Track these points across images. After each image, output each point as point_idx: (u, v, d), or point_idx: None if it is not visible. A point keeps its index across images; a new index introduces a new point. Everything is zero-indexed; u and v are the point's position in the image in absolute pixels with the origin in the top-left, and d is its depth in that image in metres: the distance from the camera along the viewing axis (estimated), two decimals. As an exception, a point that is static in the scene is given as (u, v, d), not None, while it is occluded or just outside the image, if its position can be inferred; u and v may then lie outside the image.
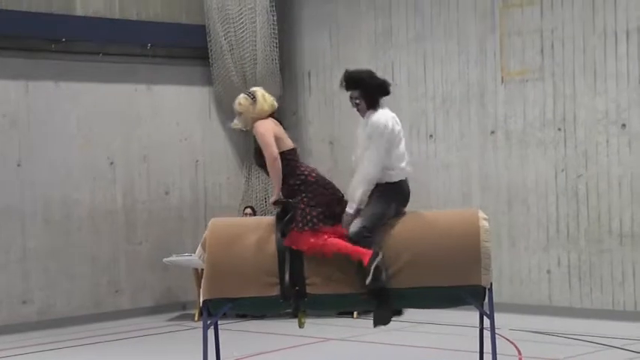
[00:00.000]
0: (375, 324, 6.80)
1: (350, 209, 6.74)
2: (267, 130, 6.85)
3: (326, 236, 6.65)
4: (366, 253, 6.57)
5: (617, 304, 11.02)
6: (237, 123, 7.14)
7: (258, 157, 6.97)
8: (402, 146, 6.96)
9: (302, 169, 6.90)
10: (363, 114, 6.98)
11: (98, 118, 12.65)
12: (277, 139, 6.85)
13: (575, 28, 11.30)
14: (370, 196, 6.82)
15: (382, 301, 6.65)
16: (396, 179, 6.83)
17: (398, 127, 6.92)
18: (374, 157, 6.75)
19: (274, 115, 7.08)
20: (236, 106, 7.08)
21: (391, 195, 6.80)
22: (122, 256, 12.80)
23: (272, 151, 6.77)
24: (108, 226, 12.68)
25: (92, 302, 12.50)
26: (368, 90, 6.92)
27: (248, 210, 12.71)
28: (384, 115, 6.91)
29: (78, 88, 12.51)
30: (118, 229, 12.77)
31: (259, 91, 7.07)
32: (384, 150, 6.77)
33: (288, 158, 6.85)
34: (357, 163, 6.90)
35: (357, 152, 6.95)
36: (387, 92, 7.01)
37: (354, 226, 6.68)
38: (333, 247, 6.61)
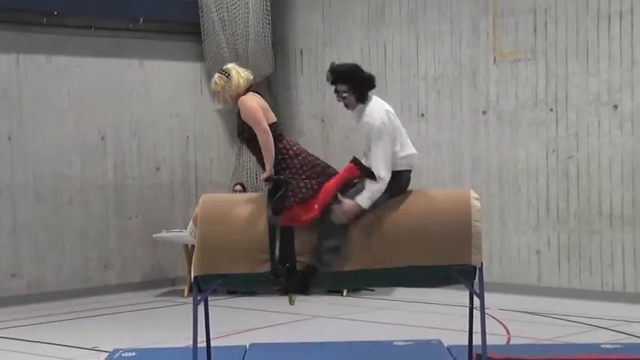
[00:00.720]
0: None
1: (353, 201, 6.64)
2: (253, 105, 6.78)
3: (315, 206, 6.62)
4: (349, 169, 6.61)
5: (606, 285, 11.04)
6: (216, 104, 7.12)
7: (242, 133, 6.91)
8: (403, 134, 6.88)
9: (284, 142, 6.84)
10: (352, 108, 6.86)
11: (89, 93, 12.59)
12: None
13: (569, 9, 11.26)
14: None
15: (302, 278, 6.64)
16: (398, 168, 6.77)
17: (393, 118, 6.82)
18: (381, 158, 6.64)
19: (252, 88, 7.00)
20: (212, 86, 7.02)
21: (395, 185, 6.73)
22: (112, 231, 12.77)
23: (263, 127, 6.71)
24: (98, 201, 12.65)
25: (81, 277, 12.49)
26: (356, 83, 6.80)
27: (238, 187, 12.68)
28: (376, 111, 6.76)
29: (69, 63, 12.45)
30: (108, 204, 12.74)
31: (233, 67, 7.00)
32: (389, 148, 6.68)
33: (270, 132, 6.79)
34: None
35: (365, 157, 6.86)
36: (373, 85, 6.90)
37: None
38: (323, 208, 6.61)
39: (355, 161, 6.76)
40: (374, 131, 6.66)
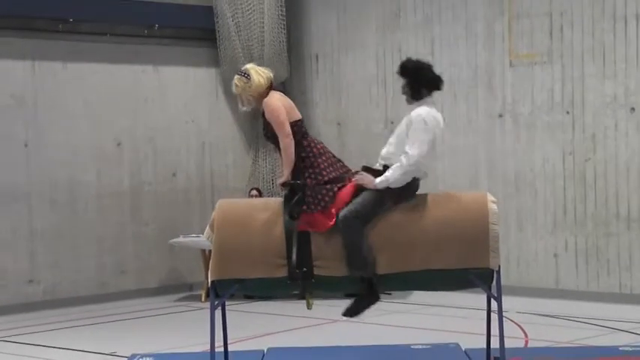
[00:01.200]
0: (345, 313, 6.80)
1: (375, 181, 6.68)
2: (278, 106, 6.76)
3: (333, 211, 6.62)
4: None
5: (624, 288, 11.01)
6: (241, 107, 7.08)
7: (267, 132, 6.90)
8: (436, 148, 6.90)
9: (308, 139, 6.84)
10: (408, 103, 6.93)
11: (105, 100, 12.63)
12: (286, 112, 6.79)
13: (585, 11, 11.24)
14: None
15: (366, 292, 6.68)
16: (414, 175, 6.78)
17: (437, 125, 6.83)
18: (417, 140, 6.64)
19: (273, 86, 6.99)
20: (233, 89, 7.01)
21: (401, 188, 6.73)
22: (128, 237, 12.80)
23: (286, 131, 6.69)
24: (114, 208, 12.68)
25: (98, 283, 12.52)
26: (415, 79, 6.86)
27: (254, 192, 12.69)
28: (427, 111, 6.80)
29: (85, 69, 12.49)
30: (124, 211, 12.77)
31: (251, 67, 6.99)
32: (427, 139, 6.68)
33: (294, 130, 6.79)
34: (389, 155, 6.77)
35: (389, 146, 6.84)
36: (436, 87, 6.94)
37: (346, 209, 6.62)
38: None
39: (364, 168, 6.81)
40: (419, 119, 6.70)
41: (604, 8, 11.09)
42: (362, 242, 6.56)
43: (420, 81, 6.89)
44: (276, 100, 6.80)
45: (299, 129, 6.81)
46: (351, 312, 6.78)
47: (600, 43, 11.15)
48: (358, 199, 6.65)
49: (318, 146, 6.84)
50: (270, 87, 6.92)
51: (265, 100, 6.81)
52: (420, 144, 6.64)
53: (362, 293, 6.68)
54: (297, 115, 6.90)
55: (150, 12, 12.90)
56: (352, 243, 6.55)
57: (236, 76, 6.97)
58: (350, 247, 6.55)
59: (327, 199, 6.61)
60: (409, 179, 6.71)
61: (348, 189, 6.69)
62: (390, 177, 6.64)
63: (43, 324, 10.88)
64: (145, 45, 12.99)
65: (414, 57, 12.50)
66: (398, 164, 6.64)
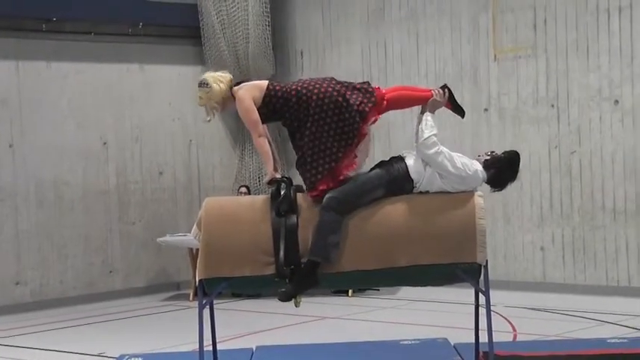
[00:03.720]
0: (281, 297, 6.70)
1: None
2: (249, 107, 6.72)
3: (341, 177, 6.61)
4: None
5: (611, 280, 11.06)
6: (206, 117, 7.04)
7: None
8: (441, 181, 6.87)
9: (292, 92, 6.72)
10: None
11: (90, 99, 12.61)
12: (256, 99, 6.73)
13: (568, 5, 11.28)
14: (379, 165, 6.77)
15: (307, 274, 6.56)
16: (413, 175, 6.75)
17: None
18: (461, 164, 6.68)
19: (234, 84, 6.90)
20: (198, 102, 6.97)
21: (396, 180, 6.72)
22: (115, 236, 12.79)
23: (258, 131, 6.68)
24: (101, 207, 12.67)
25: (85, 283, 12.51)
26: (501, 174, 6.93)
27: (243, 189, 12.68)
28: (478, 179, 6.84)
29: (69, 68, 12.47)
30: (111, 210, 12.76)
31: (208, 76, 6.92)
32: (463, 170, 6.70)
33: (272, 94, 6.72)
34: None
35: None
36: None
37: (333, 192, 6.58)
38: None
39: (446, 87, 6.91)
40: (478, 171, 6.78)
41: (587, 1, 11.13)
42: (333, 231, 6.53)
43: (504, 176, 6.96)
44: (247, 100, 6.75)
45: (276, 93, 6.73)
46: (287, 295, 6.67)
47: (584, 36, 11.19)
48: (348, 185, 6.63)
49: (310, 89, 6.71)
50: (233, 87, 6.86)
51: (238, 99, 6.76)
52: (462, 168, 6.67)
53: (302, 274, 6.58)
54: (263, 87, 6.81)
55: (134, 10, 12.88)
56: (324, 227, 6.52)
57: (198, 89, 6.93)
58: (320, 230, 6.52)
59: (327, 166, 6.60)
60: (436, 152, 6.66)
61: (349, 162, 6.65)
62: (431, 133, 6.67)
63: (31, 325, 10.85)
64: (130, 43, 12.97)
65: (397, 52, 12.60)
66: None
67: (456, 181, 6.68)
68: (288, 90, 6.72)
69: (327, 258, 6.53)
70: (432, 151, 6.63)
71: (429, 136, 6.65)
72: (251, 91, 6.76)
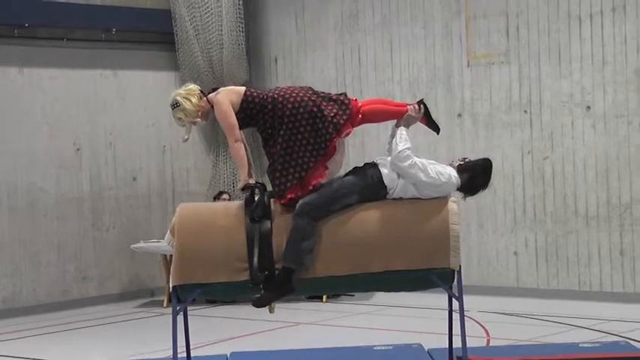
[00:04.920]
0: (255, 303, 6.70)
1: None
2: (227, 109, 6.70)
3: (310, 187, 6.63)
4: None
5: (584, 285, 11.12)
6: (184, 136, 7.03)
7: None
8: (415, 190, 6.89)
9: (268, 98, 6.71)
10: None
11: (63, 105, 12.56)
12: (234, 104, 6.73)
13: (540, 11, 11.35)
14: (352, 171, 6.79)
15: (282, 282, 6.57)
16: (386, 181, 6.76)
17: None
18: (434, 173, 6.70)
19: (205, 93, 6.90)
20: (179, 123, 6.96)
21: (370, 187, 6.74)
22: (89, 243, 12.73)
23: (235, 136, 6.67)
24: (74, 213, 12.61)
25: (59, 290, 12.44)
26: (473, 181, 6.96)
27: (225, 195, 12.61)
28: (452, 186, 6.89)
29: (42, 75, 12.41)
30: (84, 216, 12.70)
31: (174, 94, 6.90)
32: (437, 178, 6.72)
33: (249, 100, 6.73)
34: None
35: None
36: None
37: (306, 197, 6.60)
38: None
39: (422, 103, 6.94)
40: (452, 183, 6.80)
41: (559, 8, 11.21)
42: (307, 236, 6.53)
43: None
44: (226, 104, 6.73)
45: (253, 99, 6.73)
46: (262, 302, 6.68)
47: (556, 42, 11.26)
48: (322, 191, 6.65)
49: (283, 95, 6.73)
50: (205, 96, 6.84)
51: (216, 105, 6.75)
52: (434, 176, 6.68)
53: (277, 281, 6.59)
54: (240, 93, 6.81)
55: (107, 16, 12.84)
56: (298, 233, 6.53)
57: (172, 113, 6.90)
58: (294, 236, 6.53)
59: (297, 175, 6.61)
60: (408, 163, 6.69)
61: (319, 172, 6.66)
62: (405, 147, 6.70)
63: (4, 333, 10.78)
64: (103, 49, 12.93)
65: (371, 58, 12.62)
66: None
67: (430, 189, 6.72)
68: (265, 97, 6.73)
69: (301, 264, 6.55)
70: (406, 164, 6.66)
71: (403, 150, 6.68)
72: (229, 96, 6.75)
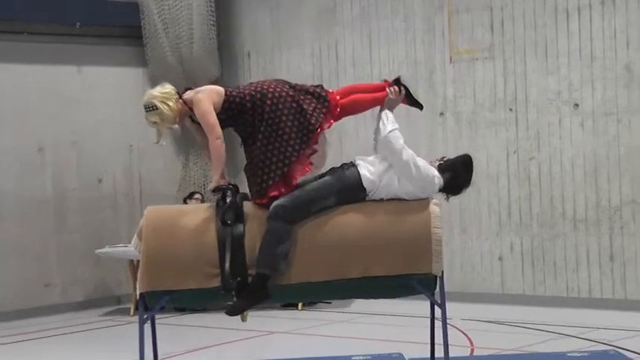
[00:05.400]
0: (229, 311, 6.66)
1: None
2: (208, 107, 6.64)
3: (294, 182, 6.61)
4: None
5: (572, 291, 11.13)
6: (157, 140, 7.00)
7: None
8: (398, 187, 6.86)
9: (246, 96, 6.71)
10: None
11: (25, 102, 12.46)
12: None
13: (526, 5, 11.35)
14: (330, 172, 6.74)
15: (256, 289, 6.53)
16: (365, 183, 6.72)
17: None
18: (422, 166, 6.70)
19: (181, 93, 6.83)
20: (153, 127, 6.92)
21: (348, 188, 6.70)
22: (52, 247, 12.65)
23: (216, 133, 6.61)
24: (36, 216, 12.52)
25: (21, 297, 12.35)
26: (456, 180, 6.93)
27: (198, 195, 12.57)
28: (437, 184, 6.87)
29: (2, 70, 12.34)
30: (47, 219, 12.62)
31: (151, 97, 6.83)
32: (424, 171, 6.71)
33: (231, 100, 6.71)
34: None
35: None
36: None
37: (281, 199, 6.57)
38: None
39: (400, 83, 6.96)
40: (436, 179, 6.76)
41: (545, 1, 11.21)
42: (281, 240, 6.49)
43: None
44: (207, 102, 6.69)
45: (234, 99, 6.70)
46: (235, 310, 6.64)
47: (542, 37, 11.26)
48: (297, 192, 6.60)
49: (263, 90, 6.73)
50: (180, 97, 6.80)
51: (196, 101, 6.71)
52: (421, 170, 6.67)
53: (252, 288, 6.52)
54: (222, 93, 6.76)
55: (71, 9, 12.77)
56: (272, 237, 6.49)
57: (146, 115, 6.84)
58: (268, 240, 6.48)
59: (270, 182, 6.58)
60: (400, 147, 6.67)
61: (302, 167, 6.64)
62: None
63: (-39, 342, 10.70)
64: (67, 44, 12.85)
65: (349, 53, 12.61)
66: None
67: (416, 184, 6.66)
68: (243, 95, 6.71)
69: (276, 270, 6.50)
70: (399, 144, 6.63)
71: (393, 130, 6.67)
72: (211, 96, 6.71)
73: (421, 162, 6.71)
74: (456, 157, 7.01)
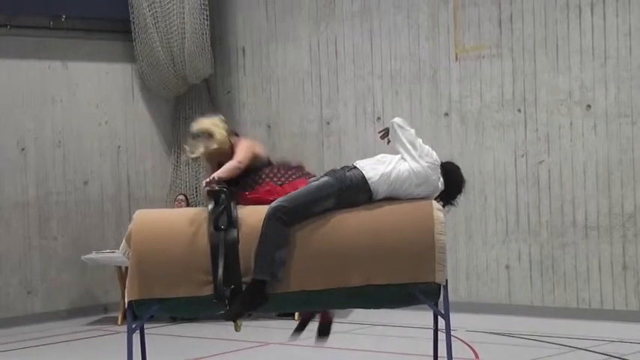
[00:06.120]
0: (225, 316, 6.72)
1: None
2: (253, 145, 7.03)
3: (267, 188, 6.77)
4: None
5: (582, 302, 11.16)
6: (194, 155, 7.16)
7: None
8: (399, 187, 6.97)
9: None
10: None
11: (6, 99, 12.49)
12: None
13: (536, 0, 11.39)
14: (330, 172, 6.81)
15: (254, 291, 6.60)
16: (370, 182, 6.79)
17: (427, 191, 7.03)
18: (423, 157, 6.90)
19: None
20: (201, 155, 7.11)
21: (349, 190, 6.75)
22: (35, 253, 12.66)
23: (243, 160, 6.85)
24: (19, 220, 12.54)
25: (1, 305, 12.36)
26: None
27: (181, 197, 12.61)
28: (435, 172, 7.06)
29: (-17, 66, 12.38)
30: (30, 224, 12.63)
31: (210, 124, 7.06)
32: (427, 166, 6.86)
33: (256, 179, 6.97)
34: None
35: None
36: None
37: (279, 199, 6.66)
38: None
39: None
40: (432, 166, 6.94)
41: (557, -4, 11.27)
42: (279, 245, 6.54)
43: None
44: (253, 145, 7.05)
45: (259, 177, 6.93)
46: (230, 314, 6.69)
47: (553, 34, 11.31)
48: (296, 192, 6.67)
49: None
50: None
51: (244, 139, 7.03)
52: (424, 160, 6.88)
53: (247, 293, 6.58)
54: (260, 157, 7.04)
55: (56, 1, 12.78)
56: (269, 240, 6.53)
57: (192, 142, 7.04)
58: (265, 244, 6.53)
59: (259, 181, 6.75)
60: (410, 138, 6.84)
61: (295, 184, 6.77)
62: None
63: (-61, 353, 10.72)
64: (52, 38, 12.88)
65: (349, 50, 12.66)
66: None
67: (420, 177, 6.77)
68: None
69: (274, 275, 6.54)
70: (413, 130, 6.91)
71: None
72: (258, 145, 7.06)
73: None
74: (443, 166, 7.11)
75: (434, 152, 6.98)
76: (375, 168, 6.78)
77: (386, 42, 12.51)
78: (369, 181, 6.74)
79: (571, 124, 11.23)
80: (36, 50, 12.75)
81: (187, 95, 13.69)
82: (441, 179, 6.93)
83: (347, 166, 6.88)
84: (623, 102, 10.90)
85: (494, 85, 11.73)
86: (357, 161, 6.91)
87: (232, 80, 13.86)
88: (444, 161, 7.16)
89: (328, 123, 12.83)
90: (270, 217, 6.55)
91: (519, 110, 11.56)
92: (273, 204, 6.60)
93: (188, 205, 12.47)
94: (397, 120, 6.99)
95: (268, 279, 6.53)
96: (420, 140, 6.95)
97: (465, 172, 11.81)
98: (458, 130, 12.00)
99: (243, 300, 6.54)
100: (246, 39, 13.74)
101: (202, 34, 13.31)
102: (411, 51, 12.32)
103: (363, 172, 6.76)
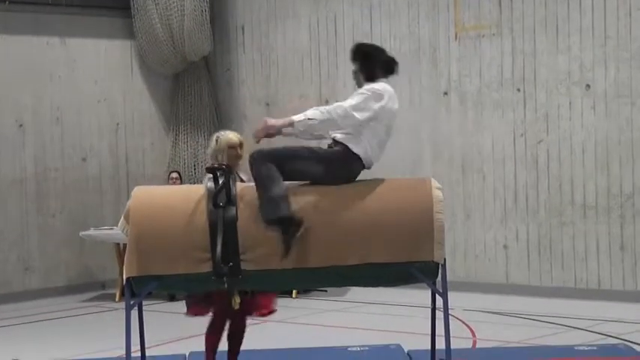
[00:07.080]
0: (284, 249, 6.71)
1: (284, 120, 6.74)
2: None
3: None
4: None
5: (580, 282, 11.19)
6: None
7: None
8: (386, 133, 6.91)
9: None
10: (359, 87, 6.97)
11: (4, 75, 12.48)
12: None
13: (537, -21, 11.38)
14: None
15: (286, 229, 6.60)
16: (357, 151, 6.77)
17: (395, 107, 6.92)
18: (355, 101, 6.70)
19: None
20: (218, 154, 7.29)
21: (336, 160, 6.75)
22: (33, 230, 12.68)
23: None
24: (17, 197, 12.55)
25: (-1, 281, 12.41)
26: (367, 63, 6.94)
27: (174, 174, 12.58)
28: (384, 87, 6.90)
29: (-19, 41, 12.35)
30: (28, 200, 12.64)
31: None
32: (371, 104, 6.72)
33: None
34: None
35: None
36: (391, 70, 7.04)
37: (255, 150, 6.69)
38: None
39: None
40: (369, 87, 6.76)
41: (557, -24, 11.24)
42: (273, 180, 6.53)
43: (373, 63, 6.96)
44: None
45: None
46: (287, 247, 6.68)
47: (553, 13, 11.29)
48: (276, 146, 6.71)
49: None
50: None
51: None
52: (359, 100, 6.69)
53: (281, 230, 6.54)
54: None
55: (55, -23, 12.77)
56: (262, 181, 6.53)
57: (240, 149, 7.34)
58: (261, 187, 6.54)
59: None
60: (327, 129, 6.70)
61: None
62: (309, 112, 6.66)
63: (-63, 328, 10.75)
64: (51, 14, 12.85)
65: (349, 28, 12.62)
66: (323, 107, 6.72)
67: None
68: None
69: (285, 212, 6.51)
70: (335, 114, 6.64)
71: (346, 112, 6.66)
72: None
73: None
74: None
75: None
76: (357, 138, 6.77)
77: (385, 20, 12.48)
78: (355, 150, 6.73)
79: (570, 103, 11.23)
80: (34, 26, 12.72)
81: (186, 72, 13.67)
82: (382, 102, 6.83)
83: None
84: (622, 82, 10.89)
85: (493, 65, 11.72)
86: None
87: (231, 58, 13.84)
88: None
89: (327, 101, 12.81)
90: (253, 161, 6.56)
91: (519, 90, 11.56)
92: (253, 152, 6.63)
93: (182, 182, 12.45)
94: (310, 113, 6.68)
95: (282, 214, 6.51)
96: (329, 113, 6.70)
97: (464, 152, 11.96)
98: (457, 109, 11.99)
99: (283, 240, 6.53)
100: (246, 16, 13.71)
101: (202, 11, 13.28)
102: (410, 29, 12.30)
103: (347, 144, 6.74)
